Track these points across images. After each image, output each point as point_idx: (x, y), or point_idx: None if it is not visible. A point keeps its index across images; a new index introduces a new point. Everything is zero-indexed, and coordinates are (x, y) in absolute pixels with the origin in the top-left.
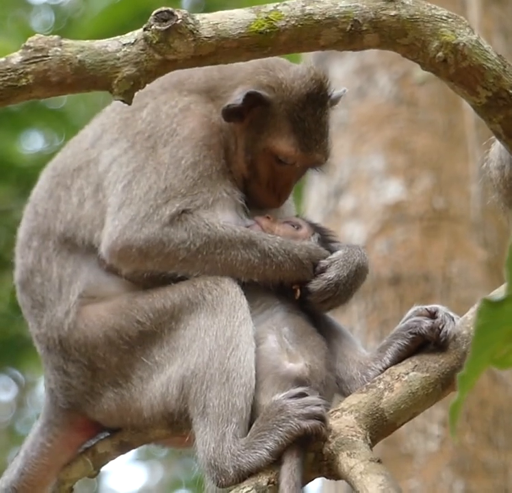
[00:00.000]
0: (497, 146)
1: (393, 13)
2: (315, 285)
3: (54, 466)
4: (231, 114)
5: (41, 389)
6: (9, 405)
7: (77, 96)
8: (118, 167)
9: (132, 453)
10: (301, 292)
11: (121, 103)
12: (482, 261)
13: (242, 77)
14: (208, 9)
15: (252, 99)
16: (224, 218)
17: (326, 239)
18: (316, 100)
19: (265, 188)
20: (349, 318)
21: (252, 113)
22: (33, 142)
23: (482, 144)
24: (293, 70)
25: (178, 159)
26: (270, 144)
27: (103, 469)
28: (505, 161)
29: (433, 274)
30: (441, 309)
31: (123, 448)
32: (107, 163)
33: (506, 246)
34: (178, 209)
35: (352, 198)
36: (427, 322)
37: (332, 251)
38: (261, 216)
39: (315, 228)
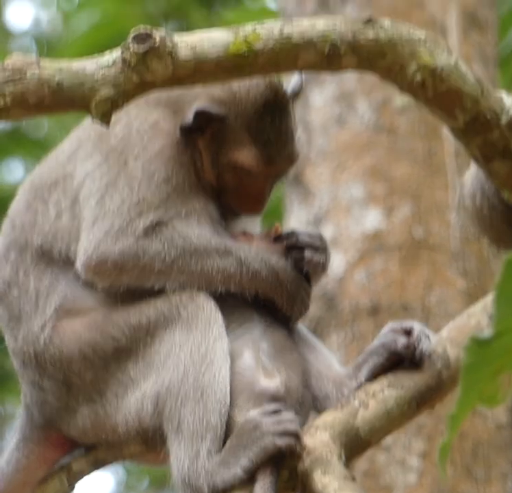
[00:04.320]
0: (469, 174)
1: (371, 35)
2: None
3: (29, 482)
4: (188, 131)
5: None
6: None
7: (57, 124)
8: (91, 182)
9: (111, 487)
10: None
11: None
12: (462, 291)
13: (198, 91)
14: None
15: (203, 117)
16: (200, 230)
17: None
18: (274, 108)
19: (241, 198)
20: (328, 348)
21: (211, 128)
22: (13, 171)
23: (462, 172)
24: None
25: (151, 174)
26: (232, 159)
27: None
28: (476, 189)
29: (412, 304)
30: (417, 327)
31: (98, 465)
32: (81, 177)
33: (485, 275)
34: (153, 222)
35: (331, 227)
36: (402, 340)
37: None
38: (237, 232)
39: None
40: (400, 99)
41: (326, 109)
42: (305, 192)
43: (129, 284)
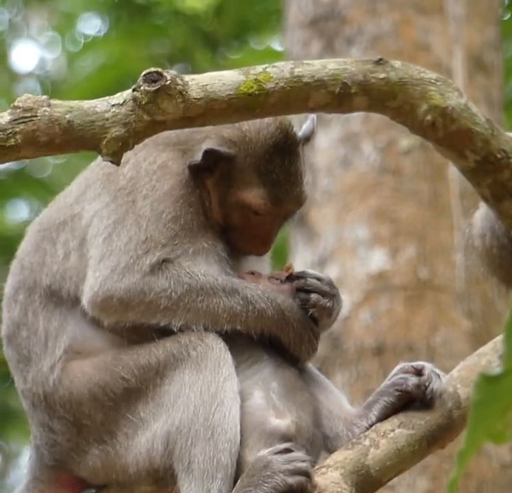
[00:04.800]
0: (479, 214)
1: (382, 76)
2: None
3: None
4: (197, 170)
5: (25, 460)
6: None
7: (62, 165)
8: (99, 220)
9: None
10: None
11: None
12: (467, 332)
13: (208, 130)
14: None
15: (212, 156)
16: (208, 269)
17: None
18: (283, 149)
19: (248, 238)
20: None
21: (220, 167)
22: (18, 211)
23: (467, 213)
24: (258, 120)
25: (160, 213)
26: (239, 198)
27: None
28: (486, 229)
29: (417, 344)
30: (427, 366)
31: None
32: (89, 217)
33: (490, 316)
34: (159, 259)
35: (337, 268)
36: (413, 380)
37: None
38: (245, 272)
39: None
40: (406, 141)
41: (331, 150)
42: (310, 232)
43: (135, 321)
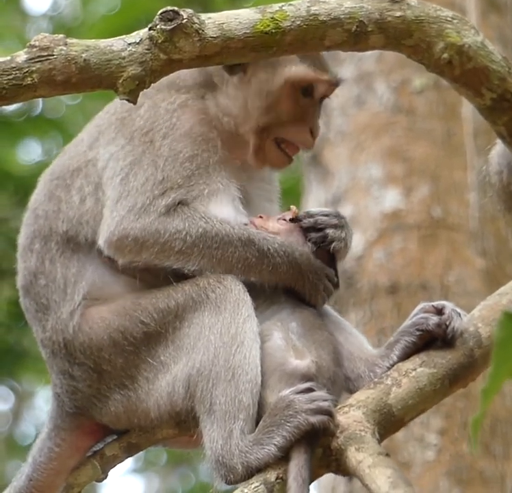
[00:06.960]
0: (495, 151)
1: (398, 14)
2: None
3: (62, 471)
4: (232, 66)
5: (38, 400)
6: (6, 416)
7: (75, 105)
8: (115, 162)
9: (129, 464)
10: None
11: (116, 104)
12: (481, 270)
13: None
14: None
15: None
16: (221, 210)
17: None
18: None
19: (296, 127)
20: None
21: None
22: (31, 152)
23: (480, 152)
24: None
25: (177, 152)
26: (287, 75)
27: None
28: (503, 166)
29: (431, 283)
30: (448, 306)
31: (131, 450)
32: (105, 160)
33: (504, 254)
34: (175, 200)
35: (350, 207)
36: (434, 319)
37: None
38: (254, 217)
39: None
40: (419, 80)
41: (345, 89)
42: (324, 172)
43: (149, 262)
